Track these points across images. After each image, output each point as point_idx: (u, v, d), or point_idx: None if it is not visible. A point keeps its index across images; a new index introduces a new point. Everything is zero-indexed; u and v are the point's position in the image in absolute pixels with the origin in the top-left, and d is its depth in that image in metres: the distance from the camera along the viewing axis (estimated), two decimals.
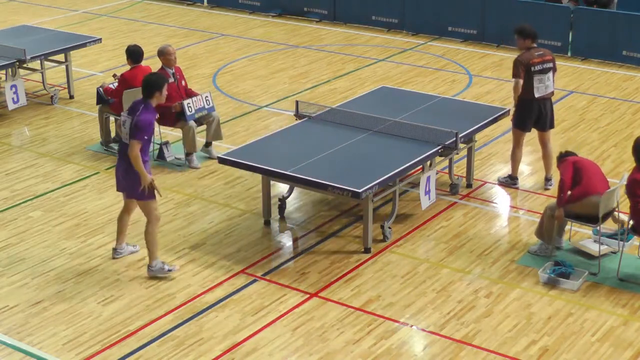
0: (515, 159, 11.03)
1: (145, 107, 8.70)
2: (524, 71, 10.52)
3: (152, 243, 8.97)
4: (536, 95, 10.59)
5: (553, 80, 10.81)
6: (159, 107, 11.46)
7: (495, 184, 11.15)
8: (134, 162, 8.63)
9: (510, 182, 11.12)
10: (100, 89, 12.01)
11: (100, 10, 19.96)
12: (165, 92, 8.84)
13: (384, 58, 16.24)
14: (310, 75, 15.34)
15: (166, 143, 11.89)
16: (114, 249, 9.49)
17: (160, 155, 11.80)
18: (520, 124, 10.83)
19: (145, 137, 8.66)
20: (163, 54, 11.56)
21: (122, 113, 9.12)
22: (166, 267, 9.07)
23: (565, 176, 9.09)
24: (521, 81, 10.53)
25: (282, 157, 9.76)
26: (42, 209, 10.62)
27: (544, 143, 10.98)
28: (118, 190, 9.20)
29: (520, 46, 10.76)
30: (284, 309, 8.55)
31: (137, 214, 10.05)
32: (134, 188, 8.80)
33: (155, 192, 8.79)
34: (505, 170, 11.42)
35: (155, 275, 9.05)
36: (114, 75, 12.09)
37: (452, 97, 13.65)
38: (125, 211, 9.27)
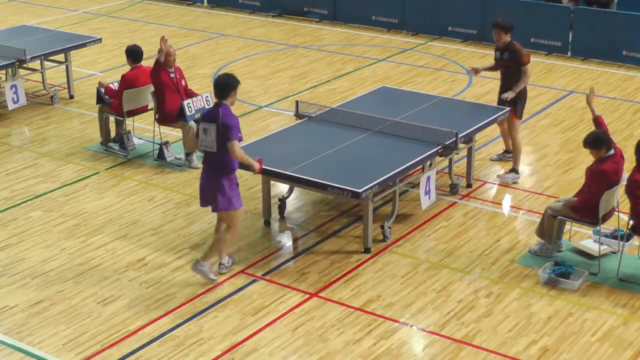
0: (520, 149, 11.15)
1: (225, 109, 8.46)
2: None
3: (222, 248, 8.92)
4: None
5: None
6: (159, 108, 11.58)
7: (495, 183, 11.15)
8: (240, 159, 8.59)
9: (516, 176, 11.11)
10: (102, 89, 12.01)
11: (100, 10, 19.96)
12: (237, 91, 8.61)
13: (384, 58, 16.23)
14: (310, 75, 15.33)
15: (166, 143, 11.88)
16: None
17: (160, 155, 11.81)
18: (521, 114, 11.10)
19: (239, 135, 8.55)
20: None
21: (199, 122, 8.71)
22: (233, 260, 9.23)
23: None
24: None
25: (282, 157, 9.75)
26: (42, 209, 10.62)
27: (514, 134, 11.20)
28: (202, 205, 8.91)
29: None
30: (284, 309, 8.55)
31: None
32: (217, 199, 8.65)
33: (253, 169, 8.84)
34: (505, 170, 11.43)
35: (227, 269, 9.11)
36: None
37: (452, 97, 13.65)
38: (219, 222, 8.99)
